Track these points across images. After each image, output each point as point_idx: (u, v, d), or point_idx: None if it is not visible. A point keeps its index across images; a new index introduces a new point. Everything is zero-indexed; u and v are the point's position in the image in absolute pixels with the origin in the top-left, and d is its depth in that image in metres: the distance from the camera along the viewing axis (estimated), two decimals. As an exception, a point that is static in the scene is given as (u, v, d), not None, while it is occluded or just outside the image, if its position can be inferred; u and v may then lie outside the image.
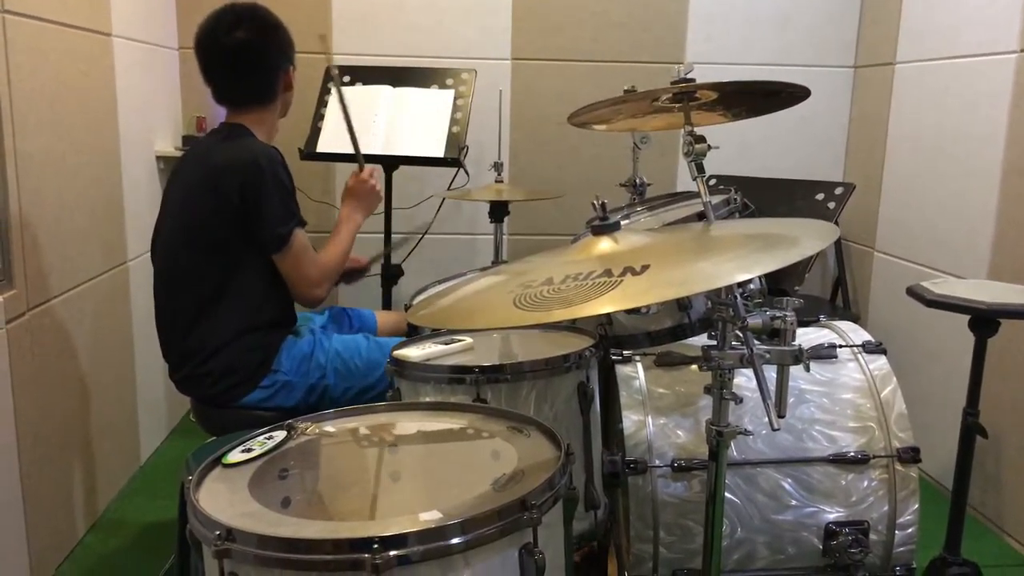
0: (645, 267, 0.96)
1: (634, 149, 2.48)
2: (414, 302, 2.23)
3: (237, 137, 1.95)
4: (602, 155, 3.36)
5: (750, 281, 1.46)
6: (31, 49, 2.04)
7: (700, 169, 1.40)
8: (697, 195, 2.34)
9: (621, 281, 0.93)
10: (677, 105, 1.47)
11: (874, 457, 1.76)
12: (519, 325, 0.99)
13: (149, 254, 2.06)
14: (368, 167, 2.26)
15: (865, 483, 1.76)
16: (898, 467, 1.77)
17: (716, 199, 1.78)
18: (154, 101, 2.97)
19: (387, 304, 2.84)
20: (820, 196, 2.49)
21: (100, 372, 2.47)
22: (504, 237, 2.85)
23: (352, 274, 2.33)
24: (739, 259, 1.03)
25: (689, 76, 1.41)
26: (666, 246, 1.12)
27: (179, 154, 3.05)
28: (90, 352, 2.40)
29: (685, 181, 3.37)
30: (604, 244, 1.14)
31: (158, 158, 2.97)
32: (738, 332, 1.39)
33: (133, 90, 2.71)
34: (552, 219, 3.37)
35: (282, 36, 2.02)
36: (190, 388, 1.97)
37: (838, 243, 3.37)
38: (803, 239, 1.17)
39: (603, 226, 1.14)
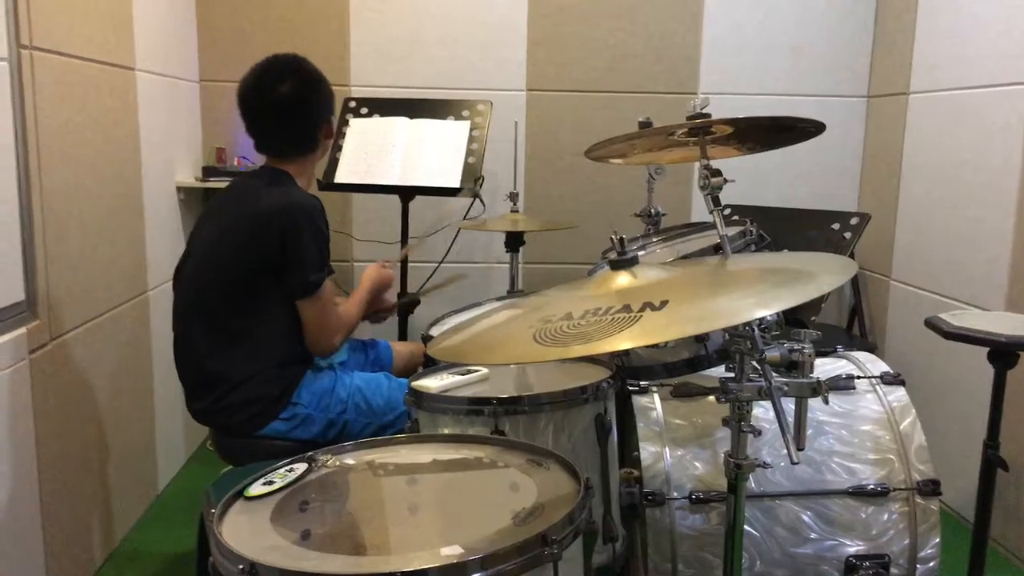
0: (664, 302, 0.97)
1: (649, 180, 2.50)
2: (431, 332, 2.24)
3: (282, 184, 1.99)
4: (617, 185, 3.38)
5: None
6: (57, 84, 2.08)
7: (716, 202, 1.41)
8: (712, 226, 2.35)
9: (640, 317, 0.94)
10: (693, 140, 1.48)
11: (894, 490, 1.75)
12: (539, 360, 1.00)
13: (169, 284, 2.08)
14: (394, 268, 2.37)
15: (885, 516, 1.75)
16: (919, 500, 1.75)
17: (732, 231, 1.79)
18: (175, 133, 3.02)
19: (403, 334, 2.85)
20: (836, 226, 2.49)
21: (120, 401, 2.50)
22: (519, 266, 2.86)
23: (378, 314, 2.35)
24: (758, 295, 1.04)
25: (704, 111, 1.43)
26: (684, 281, 1.13)
27: (200, 185, 3.09)
28: (110, 381, 2.43)
29: (700, 211, 3.39)
30: (622, 278, 1.15)
31: (179, 189, 3.02)
32: (756, 364, 1.40)
33: (155, 122, 2.76)
34: (568, 248, 3.39)
35: (325, 89, 2.06)
36: (208, 419, 1.99)
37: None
38: (821, 274, 1.17)
39: (621, 261, 1.15)
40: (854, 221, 2.43)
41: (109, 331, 2.42)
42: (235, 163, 3.25)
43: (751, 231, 1.73)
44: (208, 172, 3.16)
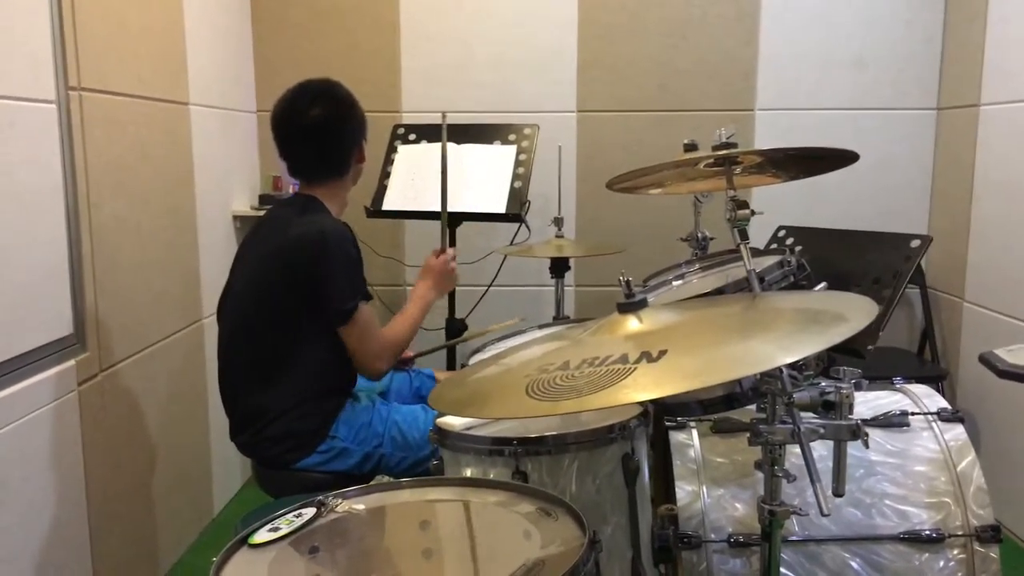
0: (662, 352, 0.92)
1: (695, 203, 2.43)
2: (470, 363, 2.21)
3: (310, 211, 2.00)
4: (667, 207, 3.30)
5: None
6: (107, 122, 2.15)
7: (744, 235, 1.35)
8: (760, 252, 2.26)
9: (634, 370, 0.89)
10: (719, 169, 1.42)
11: (950, 536, 1.63)
12: (529, 416, 0.97)
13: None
14: (450, 250, 2.29)
15: (941, 563, 1.63)
16: (977, 547, 1.63)
17: (770, 260, 1.71)
18: (231, 163, 3.10)
19: (451, 362, 2.84)
20: (897, 247, 2.36)
21: (174, 428, 2.55)
22: (567, 290, 2.82)
23: (399, 364, 2.32)
24: (771, 342, 0.98)
25: (731, 139, 1.37)
26: (693, 325, 1.07)
27: (255, 213, 3.16)
28: (164, 409, 2.49)
29: (751, 231, 3.27)
30: (632, 323, 1.10)
31: (234, 218, 3.09)
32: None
33: (210, 154, 2.83)
34: (618, 271, 3.31)
35: (357, 113, 2.07)
36: (250, 451, 2.01)
37: (925, 293, 3.20)
38: (841, 321, 1.10)
39: (628, 304, 1.10)
40: (915, 244, 2.29)
41: (161, 360, 2.48)
42: (290, 190, 3.31)
43: (789, 261, 1.65)
44: (264, 200, 3.23)
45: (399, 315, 2.13)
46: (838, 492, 1.38)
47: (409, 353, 2.32)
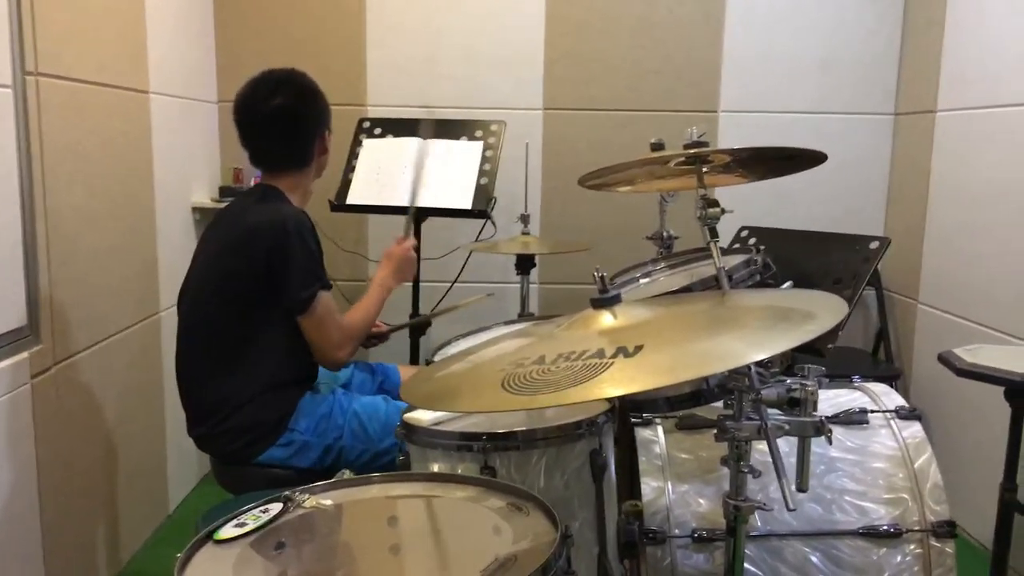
0: (638, 348, 0.92)
1: (661, 202, 2.44)
2: (435, 358, 2.20)
3: (270, 200, 1.97)
4: (633, 206, 3.31)
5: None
6: (64, 108, 2.10)
7: (713, 233, 1.36)
8: (724, 252, 2.29)
9: (611, 364, 0.90)
10: (689, 168, 1.43)
11: (908, 531, 1.67)
12: (504, 410, 0.96)
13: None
14: (411, 239, 2.28)
15: (898, 558, 1.67)
16: (933, 542, 1.67)
17: (737, 259, 1.73)
18: (191, 154, 3.04)
19: (414, 356, 2.82)
20: (856, 249, 2.41)
21: (129, 422, 2.50)
22: (532, 287, 2.82)
23: (370, 339, 2.31)
24: (743, 339, 0.99)
25: (701, 139, 1.38)
26: (667, 321, 1.08)
27: (215, 205, 3.10)
28: (119, 402, 2.43)
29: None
30: (606, 318, 1.10)
31: (194, 209, 3.03)
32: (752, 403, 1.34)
33: (170, 144, 2.78)
34: (584, 269, 3.31)
35: (320, 102, 2.04)
36: (208, 445, 1.97)
37: (880, 294, 3.27)
38: (818, 315, 1.11)
39: (603, 299, 1.10)
40: (873, 245, 2.33)
41: (118, 352, 2.42)
42: (251, 183, 3.25)
43: (755, 260, 1.67)
44: (224, 192, 3.17)
45: (359, 302, 2.11)
46: (802, 487, 1.40)
47: (381, 326, 2.30)
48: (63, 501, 2.09)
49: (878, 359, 3.23)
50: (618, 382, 0.86)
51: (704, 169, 1.42)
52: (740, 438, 1.36)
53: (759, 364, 1.33)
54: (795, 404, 1.39)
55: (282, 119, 1.97)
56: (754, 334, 1.00)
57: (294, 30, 3.27)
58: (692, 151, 1.31)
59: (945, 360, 1.60)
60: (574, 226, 3.34)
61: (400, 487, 1.31)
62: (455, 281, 3.12)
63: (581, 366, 0.91)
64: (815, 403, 1.39)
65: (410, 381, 1.13)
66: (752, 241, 2.76)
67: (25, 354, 1.92)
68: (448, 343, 2.35)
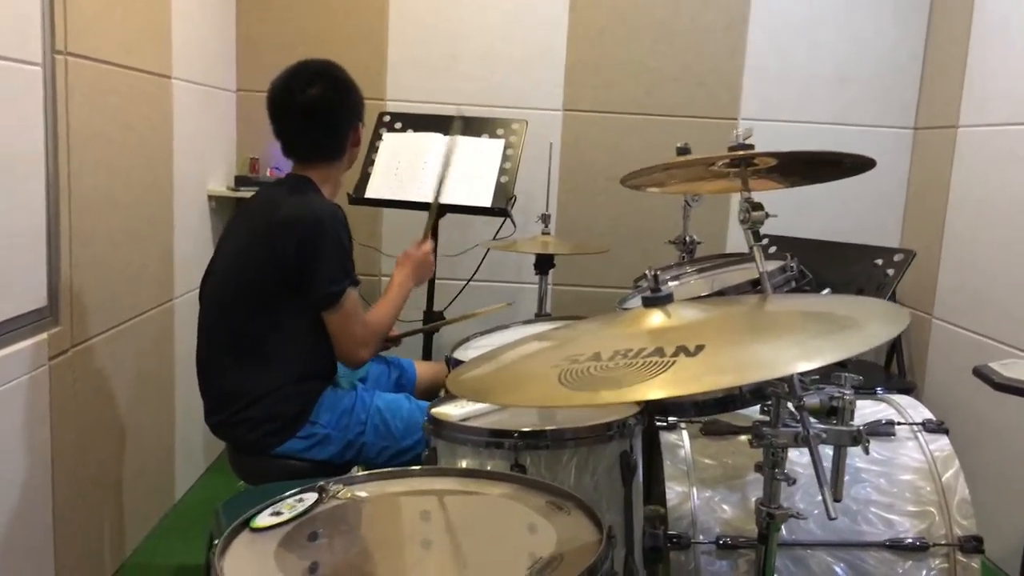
0: (700, 347, 0.91)
1: (685, 207, 2.43)
2: (455, 355, 2.18)
3: (303, 192, 1.96)
4: (652, 209, 3.31)
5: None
6: (91, 90, 2.08)
7: (757, 236, 1.34)
8: (750, 258, 2.28)
9: (673, 363, 0.88)
10: (733, 171, 1.42)
11: (934, 545, 1.65)
12: (565, 405, 0.95)
13: (196, 292, 2.05)
14: (429, 241, 2.27)
15: (923, 572, 1.66)
16: (960, 557, 1.66)
17: (772, 266, 1.72)
18: (209, 142, 3.02)
19: (427, 353, 2.80)
20: (879, 262, 2.40)
21: (140, 409, 2.47)
22: (549, 288, 2.81)
23: (384, 342, 2.28)
24: (799, 344, 0.97)
25: (748, 141, 1.36)
26: (721, 323, 1.06)
27: (231, 194, 3.08)
28: (132, 389, 2.41)
29: (735, 241, 3.31)
30: (655, 317, 1.09)
31: (210, 197, 3.01)
32: (793, 410, 1.33)
33: (189, 131, 2.76)
34: (599, 273, 3.32)
35: (354, 95, 2.03)
36: (225, 433, 1.95)
37: (894, 308, 3.26)
38: (868, 323, 1.10)
39: (655, 298, 1.08)
40: (898, 258, 2.33)
41: (133, 338, 2.40)
42: (268, 174, 3.24)
43: (791, 267, 1.66)
44: (240, 182, 3.15)
45: (380, 302, 2.10)
46: (836, 497, 1.39)
47: (395, 331, 2.28)
48: (75, 486, 2.07)
49: (890, 373, 3.22)
50: (684, 381, 0.84)
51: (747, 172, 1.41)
52: (777, 445, 1.35)
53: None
54: (832, 413, 1.39)
55: (317, 110, 1.95)
56: (814, 339, 0.99)
57: (315, 23, 3.25)
58: (740, 153, 1.30)
59: (981, 374, 1.59)
60: (590, 229, 3.33)
61: (435, 482, 1.29)
62: (470, 279, 3.10)
63: (641, 364, 0.90)
64: (852, 412, 1.39)
65: (455, 375, 1.11)
66: (773, 250, 2.76)
67: (44, 335, 1.90)
68: (467, 340, 2.33)
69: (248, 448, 1.91)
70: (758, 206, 1.34)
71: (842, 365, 2.26)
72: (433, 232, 2.85)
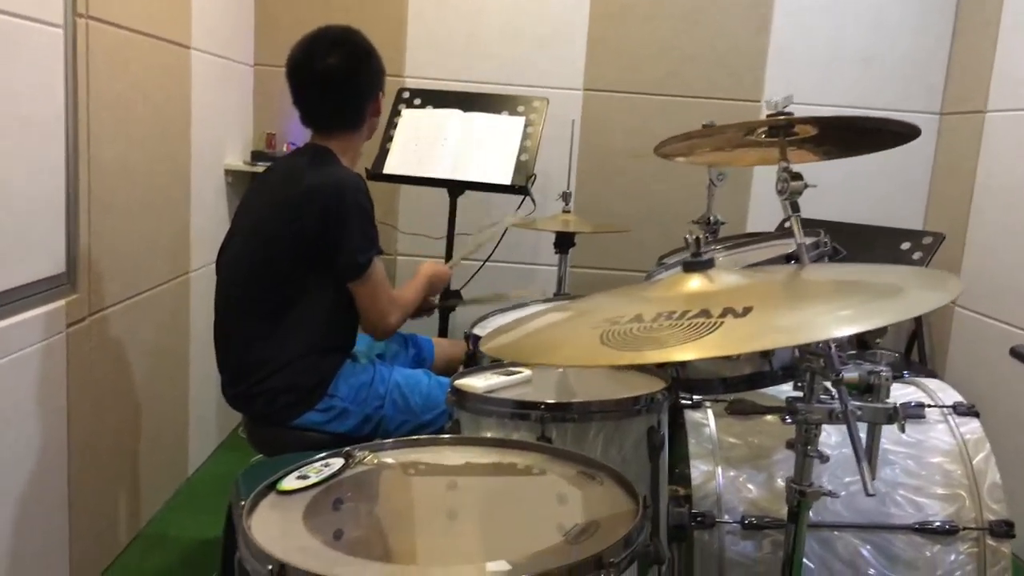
0: (747, 309, 0.88)
1: (710, 186, 2.39)
2: (475, 331, 2.16)
3: (323, 162, 1.93)
4: (670, 190, 3.28)
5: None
6: (111, 56, 2.05)
7: (795, 207, 1.31)
8: (777, 236, 2.24)
9: (721, 323, 0.85)
10: (769, 140, 1.38)
11: (963, 529, 1.62)
12: (608, 364, 0.92)
13: (211, 267, 2.03)
14: (452, 270, 2.34)
15: (952, 556, 1.63)
16: (989, 541, 1.63)
17: (806, 241, 1.68)
18: (226, 116, 2.99)
19: (443, 331, 2.78)
20: (906, 246, 2.36)
21: (155, 382, 2.46)
22: (567, 269, 2.77)
23: (418, 312, 2.27)
24: (852, 307, 0.94)
25: (787, 110, 1.33)
26: (765, 289, 1.03)
27: (248, 169, 3.06)
28: (147, 360, 2.39)
29: (756, 221, 3.26)
30: (694, 282, 1.06)
31: (227, 172, 2.98)
32: (828, 385, 1.30)
33: (207, 103, 2.73)
34: (617, 254, 3.29)
35: (375, 63, 2.00)
36: (244, 405, 1.93)
37: (915, 295, 3.21)
38: (912, 290, 1.07)
39: (696, 262, 1.05)
40: (927, 241, 2.29)
41: (148, 310, 2.38)
42: (284, 149, 3.21)
43: (825, 243, 1.62)
44: (257, 156, 3.12)
45: (408, 284, 2.14)
46: (871, 476, 1.35)
47: (432, 302, 2.28)
48: (90, 455, 2.05)
49: (911, 360, 3.17)
50: (735, 341, 0.81)
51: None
52: (812, 421, 1.32)
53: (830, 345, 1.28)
54: (867, 390, 1.35)
55: (337, 79, 1.92)
56: (865, 303, 0.95)
57: (334, -2, 3.21)
58: (781, 119, 1.26)
59: (1019, 353, 1.55)
60: (607, 210, 3.29)
61: (463, 451, 1.26)
62: (487, 260, 3.07)
63: (687, 324, 0.87)
64: (888, 389, 1.35)
65: (489, 339, 1.08)
66: (807, 231, 2.72)
67: (62, 302, 1.88)
68: (486, 317, 2.31)
69: (266, 419, 1.89)
70: (797, 176, 1.31)
71: (866, 346, 2.22)
72: (451, 211, 2.84)
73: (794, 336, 0.85)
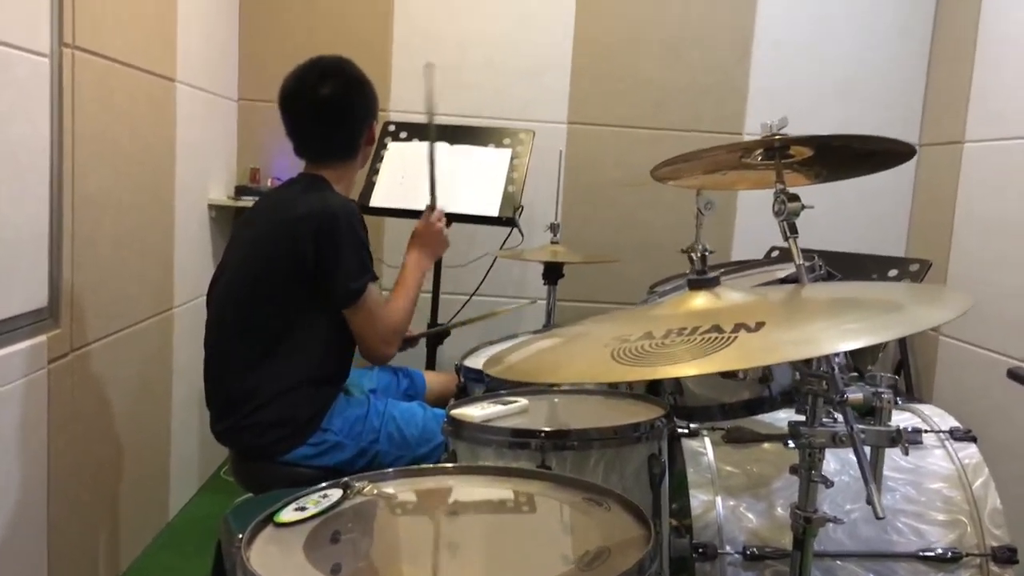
0: (760, 324, 0.86)
1: (697, 215, 2.39)
2: (465, 362, 2.13)
3: (316, 189, 1.91)
4: (658, 221, 3.29)
5: (838, 354, 1.35)
6: (97, 87, 2.03)
7: (793, 229, 1.31)
8: (765, 263, 2.24)
9: (735, 338, 0.83)
10: (764, 163, 1.38)
11: (966, 555, 1.60)
12: (622, 379, 0.91)
13: (194, 304, 1.99)
14: (437, 210, 2.18)
15: (956, 583, 1.61)
16: (993, 567, 1.61)
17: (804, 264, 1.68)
18: (211, 150, 2.97)
19: (431, 364, 2.74)
20: (893, 272, 2.37)
21: (137, 421, 2.39)
22: (556, 302, 2.76)
23: (404, 341, 2.23)
24: (864, 320, 0.93)
25: (782, 130, 1.33)
26: (772, 305, 1.02)
27: (232, 204, 3.03)
28: (129, 399, 2.33)
29: (740, 250, 3.28)
30: (700, 300, 1.04)
31: (210, 206, 2.95)
32: (832, 408, 1.28)
33: (192, 137, 2.71)
34: (606, 287, 3.28)
35: (367, 91, 1.99)
36: (232, 439, 1.88)
37: (900, 324, 3.23)
38: (914, 306, 1.06)
39: (702, 280, 1.04)
40: (914, 268, 2.30)
41: (131, 346, 2.33)
42: (269, 183, 3.19)
43: (819, 266, 1.62)
44: (241, 191, 3.10)
45: (396, 289, 2.01)
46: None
47: (412, 332, 2.22)
48: (71, 496, 1.99)
49: (898, 390, 3.18)
50: (751, 354, 0.80)
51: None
52: (816, 445, 1.30)
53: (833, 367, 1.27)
54: (869, 413, 1.34)
55: (330, 108, 1.91)
56: (877, 316, 0.94)
57: (319, 32, 3.23)
58: (777, 137, 1.26)
59: (1017, 376, 1.55)
60: (595, 241, 3.29)
61: (464, 479, 1.23)
62: (474, 293, 3.05)
63: (700, 340, 0.85)
64: (890, 412, 1.34)
65: (494, 363, 1.06)
66: (775, 255, 2.73)
67: (43, 337, 1.83)
68: (477, 349, 2.29)
69: (255, 454, 1.84)
70: (794, 197, 1.30)
71: (859, 375, 2.21)
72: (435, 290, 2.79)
73: (812, 348, 0.84)
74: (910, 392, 3.15)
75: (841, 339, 0.85)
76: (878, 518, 1.17)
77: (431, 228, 2.13)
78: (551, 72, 3.26)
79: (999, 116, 2.79)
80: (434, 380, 2.30)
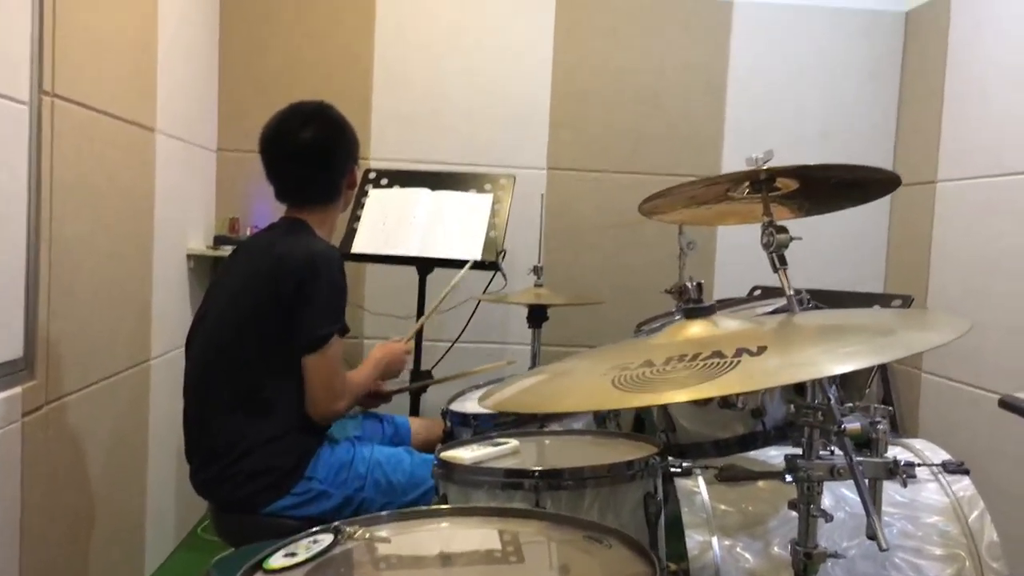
0: (762, 348, 0.85)
1: (680, 254, 2.40)
2: (451, 407, 2.10)
3: (298, 233, 1.90)
4: (637, 263, 3.30)
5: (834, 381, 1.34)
6: (77, 135, 2.01)
7: (782, 261, 1.31)
8: (748, 301, 2.25)
9: (738, 362, 0.82)
10: (751, 196, 1.39)
11: (967, 590, 1.58)
12: (625, 406, 0.89)
13: (174, 353, 1.95)
14: (410, 345, 2.23)
15: (958, 619, 1.58)
16: (994, 602, 1.59)
17: (780, 302, 1.68)
18: (189, 199, 2.95)
19: (415, 410, 2.70)
20: (875, 308, 2.39)
21: (113, 475, 2.32)
22: (526, 348, 2.75)
23: (373, 398, 2.19)
24: (865, 343, 0.92)
25: (768, 164, 1.34)
26: (769, 332, 1.01)
27: (210, 253, 3.00)
28: (104, 452, 2.26)
29: (721, 289, 3.29)
30: (697, 328, 1.03)
31: (189, 256, 2.92)
32: (830, 438, 1.27)
33: (171, 187, 2.69)
34: (590, 329, 3.27)
35: (349, 135, 2.00)
36: (213, 491, 1.83)
37: (883, 364, 3.24)
38: (904, 331, 1.06)
39: (698, 309, 1.03)
40: (896, 304, 2.32)
41: (107, 399, 2.27)
42: (248, 233, 3.17)
43: (806, 299, 1.62)
44: (220, 241, 3.08)
45: (360, 368, 2.05)
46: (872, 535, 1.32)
47: (384, 388, 2.19)
48: (44, 553, 1.91)
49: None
50: (756, 377, 0.79)
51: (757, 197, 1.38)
52: (814, 478, 1.28)
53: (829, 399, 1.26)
54: (865, 445, 1.33)
55: (312, 151, 1.91)
56: (876, 339, 0.94)
57: (298, 83, 3.24)
58: (764, 167, 1.27)
59: (1008, 404, 1.55)
60: (579, 284, 3.29)
61: (459, 521, 1.19)
62: (456, 340, 3.03)
63: (703, 366, 0.84)
64: (887, 444, 1.34)
65: (491, 396, 1.04)
66: (758, 294, 2.74)
67: (18, 389, 1.78)
68: (463, 393, 2.26)
69: (237, 506, 1.79)
70: (782, 229, 1.31)
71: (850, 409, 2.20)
72: (420, 289, 2.80)
73: (816, 369, 0.83)
74: (895, 429, 3.15)
75: (843, 360, 0.84)
76: (882, 550, 1.15)
77: (398, 355, 2.13)
78: (531, 119, 3.30)
79: (969, 155, 2.85)
80: (419, 426, 2.26)
